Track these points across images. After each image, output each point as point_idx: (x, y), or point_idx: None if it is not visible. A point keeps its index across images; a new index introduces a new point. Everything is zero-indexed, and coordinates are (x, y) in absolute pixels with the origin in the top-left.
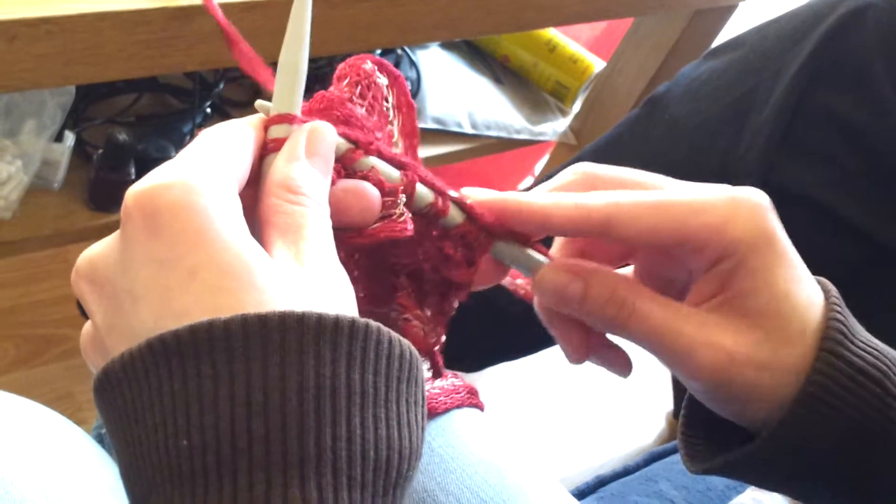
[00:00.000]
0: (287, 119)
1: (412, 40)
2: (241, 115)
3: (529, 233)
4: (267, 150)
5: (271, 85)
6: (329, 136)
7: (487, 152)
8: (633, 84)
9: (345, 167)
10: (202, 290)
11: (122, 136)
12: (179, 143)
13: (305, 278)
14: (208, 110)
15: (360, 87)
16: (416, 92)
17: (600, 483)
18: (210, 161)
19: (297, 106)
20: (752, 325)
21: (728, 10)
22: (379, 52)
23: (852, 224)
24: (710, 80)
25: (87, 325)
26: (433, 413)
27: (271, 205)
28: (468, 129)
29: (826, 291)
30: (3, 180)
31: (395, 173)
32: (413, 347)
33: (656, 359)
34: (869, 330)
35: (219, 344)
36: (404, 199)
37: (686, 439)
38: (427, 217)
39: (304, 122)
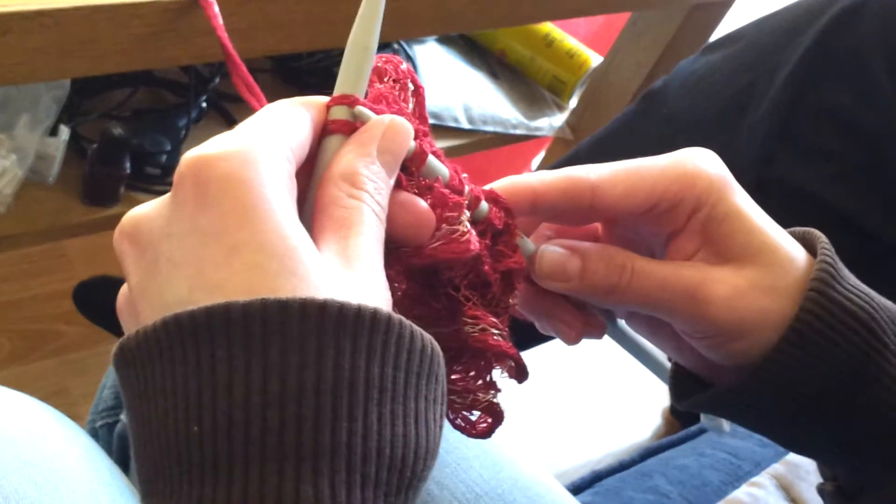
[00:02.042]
0: (350, 101)
1: (409, 34)
2: (238, 110)
3: (522, 214)
4: (326, 131)
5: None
6: (405, 135)
7: (484, 147)
8: (630, 79)
9: (408, 172)
10: (240, 267)
11: (118, 131)
12: (175, 138)
13: (346, 275)
14: (204, 104)
15: (399, 85)
16: None
17: (596, 478)
18: (270, 137)
19: (362, 89)
20: (743, 263)
21: (725, 5)
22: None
23: (851, 219)
24: (708, 74)
25: (126, 287)
26: None
27: (330, 194)
28: (465, 125)
29: (817, 238)
30: None
31: (445, 171)
32: (435, 343)
33: (661, 316)
34: None
35: (236, 328)
36: (468, 216)
37: (675, 377)
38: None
39: (363, 104)
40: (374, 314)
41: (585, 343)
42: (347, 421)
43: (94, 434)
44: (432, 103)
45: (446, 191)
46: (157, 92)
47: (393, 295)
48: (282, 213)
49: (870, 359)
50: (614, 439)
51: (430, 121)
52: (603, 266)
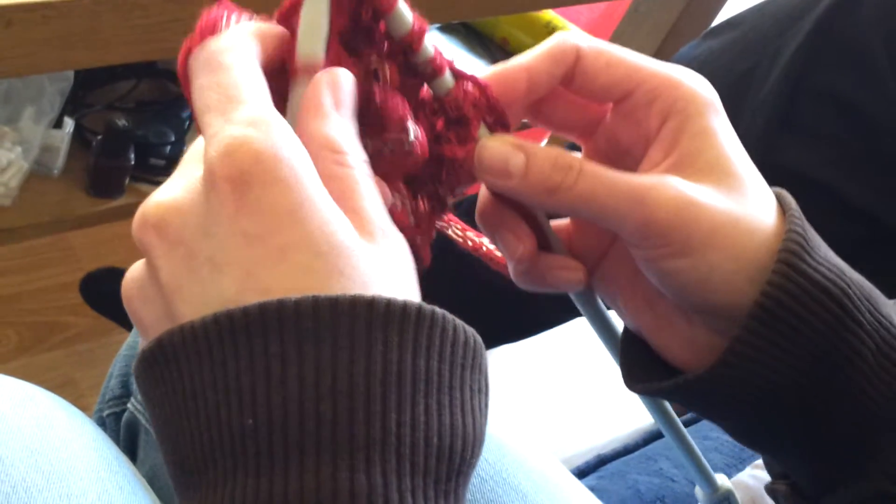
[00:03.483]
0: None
1: None
2: None
3: (516, 97)
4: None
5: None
6: (349, 79)
7: None
8: None
9: (380, 12)
10: (291, 270)
11: (122, 122)
12: (179, 129)
13: (378, 257)
14: None
15: None
16: None
17: (601, 462)
18: (284, 122)
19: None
20: (704, 179)
21: None
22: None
23: (853, 203)
24: (709, 60)
25: (136, 272)
26: None
27: (319, 169)
28: None
29: (786, 203)
30: (2, 167)
31: (409, 15)
32: (477, 335)
33: (606, 224)
34: None
35: (288, 324)
36: (412, 131)
37: (626, 355)
38: (423, 76)
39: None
40: (419, 309)
41: (590, 329)
42: (396, 412)
43: (102, 423)
44: None
45: (400, 111)
46: (161, 83)
47: None
48: (323, 208)
49: (841, 338)
50: (619, 423)
51: None
52: (549, 164)
